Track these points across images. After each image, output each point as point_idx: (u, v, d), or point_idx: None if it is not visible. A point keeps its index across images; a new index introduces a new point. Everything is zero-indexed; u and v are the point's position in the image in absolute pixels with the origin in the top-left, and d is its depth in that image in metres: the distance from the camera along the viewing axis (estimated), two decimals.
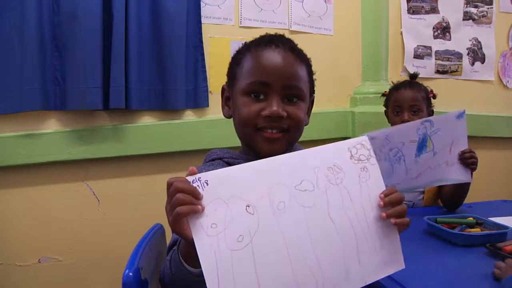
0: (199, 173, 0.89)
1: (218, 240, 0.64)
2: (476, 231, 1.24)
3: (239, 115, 0.94)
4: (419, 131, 1.46)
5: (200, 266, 0.71)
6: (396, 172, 1.44)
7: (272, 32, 1.02)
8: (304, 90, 0.95)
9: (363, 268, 0.72)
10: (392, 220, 0.76)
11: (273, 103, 0.90)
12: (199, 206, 0.65)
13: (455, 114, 1.49)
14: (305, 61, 0.98)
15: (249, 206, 0.67)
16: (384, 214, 0.76)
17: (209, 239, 0.63)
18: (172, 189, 0.67)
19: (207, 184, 0.68)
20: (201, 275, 0.73)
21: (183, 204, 0.65)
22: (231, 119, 1.01)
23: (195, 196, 0.66)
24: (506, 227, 1.21)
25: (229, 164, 0.96)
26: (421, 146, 1.46)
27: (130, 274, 0.77)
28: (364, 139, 0.81)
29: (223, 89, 1.03)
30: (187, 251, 0.74)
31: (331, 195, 0.73)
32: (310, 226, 0.70)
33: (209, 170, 0.90)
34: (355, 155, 0.79)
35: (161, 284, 0.84)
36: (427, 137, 1.46)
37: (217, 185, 0.68)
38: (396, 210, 0.77)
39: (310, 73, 1.00)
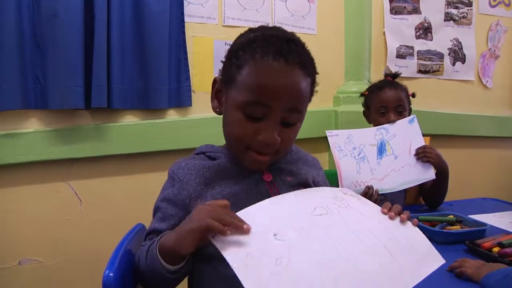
0: (182, 164, 0.93)
1: (258, 267, 0.65)
2: (456, 228, 1.26)
3: (231, 130, 0.90)
4: (376, 136, 1.57)
5: (175, 264, 0.77)
6: (362, 171, 1.53)
7: None
8: (305, 110, 0.90)
9: (405, 273, 0.72)
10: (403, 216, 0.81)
11: (270, 128, 0.84)
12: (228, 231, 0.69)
13: (407, 119, 1.59)
14: (312, 73, 0.90)
15: (276, 235, 0.70)
16: (402, 216, 0.81)
17: (249, 269, 0.65)
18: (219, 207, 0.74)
19: None
20: (174, 272, 0.78)
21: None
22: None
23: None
24: (485, 225, 1.23)
25: (211, 158, 0.96)
26: (381, 150, 1.56)
27: (111, 274, 0.76)
28: (344, 189, 0.91)
29: (214, 81, 0.96)
30: (168, 251, 0.76)
31: (345, 215, 0.78)
32: (336, 243, 0.72)
33: (189, 163, 0.94)
34: (347, 193, 0.87)
35: (135, 269, 0.86)
36: (385, 142, 1.55)
37: None
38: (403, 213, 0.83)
39: (314, 82, 0.93)
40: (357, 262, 0.70)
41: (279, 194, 0.91)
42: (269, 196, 0.89)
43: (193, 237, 0.72)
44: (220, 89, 0.94)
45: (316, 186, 1.01)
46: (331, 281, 0.66)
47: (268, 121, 0.84)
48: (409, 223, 0.81)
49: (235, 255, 0.66)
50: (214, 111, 0.98)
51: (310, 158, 1.08)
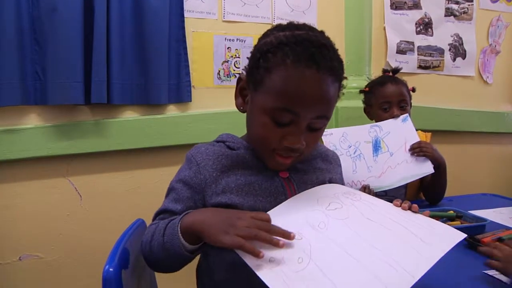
0: (202, 148, 0.94)
1: (282, 268, 0.67)
2: (456, 223, 1.26)
3: (256, 132, 0.89)
4: (370, 133, 1.56)
5: (195, 244, 0.78)
6: (359, 169, 1.52)
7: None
8: (331, 114, 0.89)
9: (430, 243, 0.72)
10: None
11: (296, 134, 0.84)
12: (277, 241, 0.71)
13: (400, 118, 1.59)
14: (341, 77, 0.89)
15: (295, 234, 0.72)
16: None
17: (273, 271, 0.67)
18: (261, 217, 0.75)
19: None
20: (192, 251, 0.79)
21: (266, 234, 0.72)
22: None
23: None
24: (485, 220, 1.23)
25: (230, 147, 0.96)
26: (376, 147, 1.55)
27: (111, 269, 0.76)
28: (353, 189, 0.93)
29: (239, 79, 0.93)
30: (192, 232, 0.77)
31: (359, 207, 0.80)
32: (356, 230, 0.74)
33: (209, 148, 0.94)
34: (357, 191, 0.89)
35: (143, 247, 0.86)
36: (380, 139, 1.55)
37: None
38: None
39: (341, 85, 0.92)
40: (384, 246, 0.71)
41: (295, 190, 0.92)
42: (284, 192, 0.91)
43: (220, 244, 0.72)
44: (245, 87, 0.92)
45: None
46: (358, 264, 0.67)
47: (295, 127, 0.84)
48: (420, 214, 0.83)
49: (258, 261, 0.68)
50: (237, 108, 0.95)
51: (330, 153, 1.08)
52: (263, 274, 0.66)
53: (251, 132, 0.93)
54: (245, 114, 0.94)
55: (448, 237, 0.75)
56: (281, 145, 0.85)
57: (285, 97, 0.81)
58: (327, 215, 0.77)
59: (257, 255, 0.68)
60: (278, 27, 0.90)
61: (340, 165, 1.09)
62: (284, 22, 0.94)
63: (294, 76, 0.81)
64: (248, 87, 0.90)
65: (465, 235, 0.76)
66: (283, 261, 0.68)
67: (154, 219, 0.91)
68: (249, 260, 0.69)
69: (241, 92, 0.93)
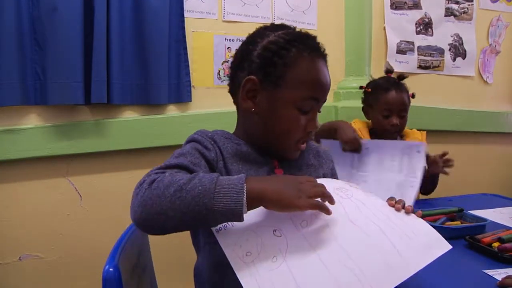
0: (209, 134, 0.94)
1: (255, 264, 0.70)
2: (456, 223, 1.27)
3: (283, 127, 0.91)
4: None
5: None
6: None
7: (256, 27, 1.00)
8: None
9: (405, 257, 0.72)
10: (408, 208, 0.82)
11: (315, 118, 0.93)
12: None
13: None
14: None
15: (275, 230, 0.74)
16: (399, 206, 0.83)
17: (247, 266, 0.70)
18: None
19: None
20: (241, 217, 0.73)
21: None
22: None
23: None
24: (485, 220, 1.23)
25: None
26: None
27: (111, 269, 0.76)
28: (350, 183, 0.92)
29: (249, 81, 0.91)
30: (260, 199, 0.72)
31: (346, 205, 0.79)
32: (335, 233, 0.74)
33: (215, 134, 0.94)
34: (352, 186, 0.88)
35: (153, 187, 0.72)
36: None
37: (243, 221, 0.74)
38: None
39: None
40: (356, 253, 0.71)
41: None
42: None
43: (298, 209, 0.73)
44: (254, 89, 0.92)
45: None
46: (325, 270, 0.68)
47: (314, 112, 0.93)
48: (413, 214, 0.82)
49: (235, 254, 0.71)
50: (247, 111, 0.94)
51: (321, 149, 1.10)
52: (237, 267, 0.69)
53: (274, 132, 0.93)
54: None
55: (430, 249, 0.75)
56: (304, 132, 0.92)
57: (311, 85, 0.90)
58: (311, 213, 0.76)
59: (329, 212, 0.73)
60: (270, 28, 0.97)
61: (332, 160, 1.11)
62: (285, 22, 1.02)
63: (314, 66, 0.91)
64: (262, 87, 0.91)
65: (450, 247, 0.76)
66: (258, 258, 0.70)
67: (161, 169, 0.80)
68: (228, 251, 0.71)
69: (248, 95, 0.93)
